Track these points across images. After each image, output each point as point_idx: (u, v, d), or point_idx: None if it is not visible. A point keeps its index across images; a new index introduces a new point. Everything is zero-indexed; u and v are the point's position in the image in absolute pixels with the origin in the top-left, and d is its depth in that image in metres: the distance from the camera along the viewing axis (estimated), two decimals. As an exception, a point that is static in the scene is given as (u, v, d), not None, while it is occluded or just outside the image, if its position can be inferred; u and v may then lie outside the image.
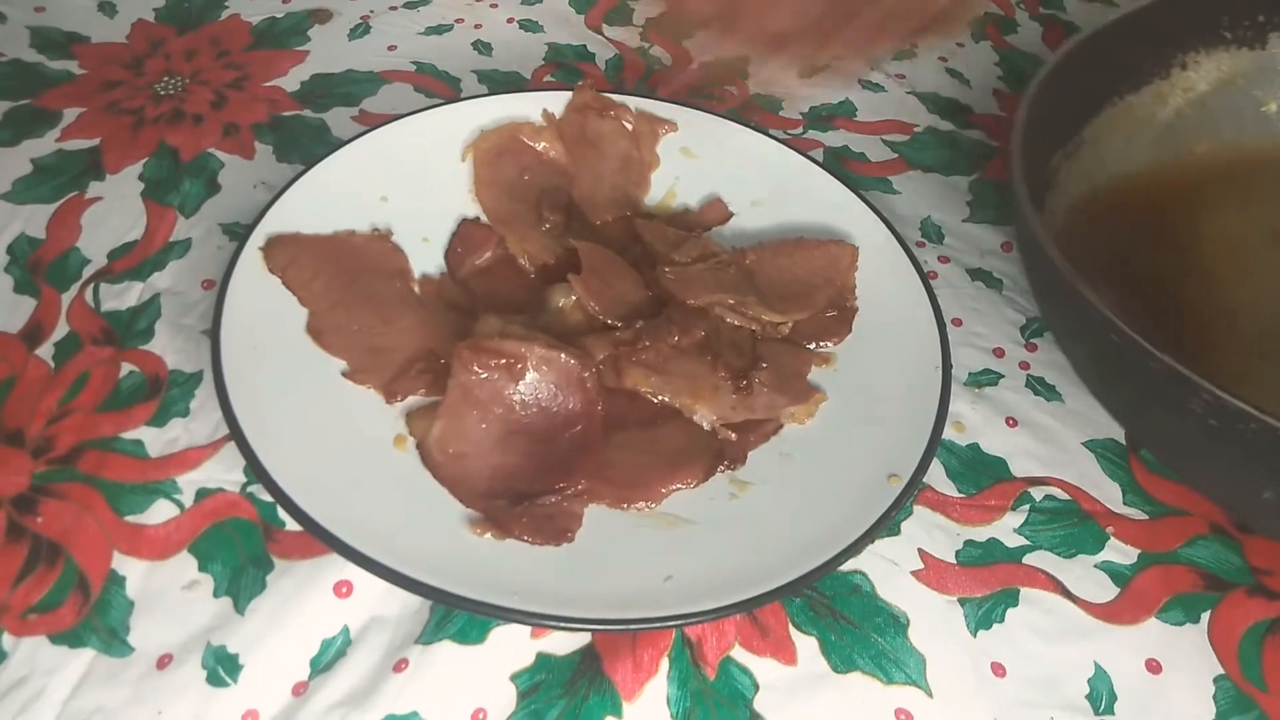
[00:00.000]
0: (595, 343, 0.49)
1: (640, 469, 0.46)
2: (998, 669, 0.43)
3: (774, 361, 0.51)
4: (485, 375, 0.46)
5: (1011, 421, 0.52)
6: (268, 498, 0.43)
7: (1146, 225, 0.58)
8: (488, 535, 0.43)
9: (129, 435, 0.47)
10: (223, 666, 0.40)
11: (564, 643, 0.42)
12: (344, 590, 0.43)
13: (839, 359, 0.52)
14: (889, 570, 0.46)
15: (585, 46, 0.73)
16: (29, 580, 0.42)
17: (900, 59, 0.76)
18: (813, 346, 0.53)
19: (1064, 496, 0.50)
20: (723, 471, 0.47)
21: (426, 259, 0.55)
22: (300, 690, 0.40)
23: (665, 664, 0.42)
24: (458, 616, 0.42)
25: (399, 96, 0.66)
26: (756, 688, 0.42)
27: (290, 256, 0.50)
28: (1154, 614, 0.46)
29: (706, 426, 0.49)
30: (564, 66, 0.71)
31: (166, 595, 0.42)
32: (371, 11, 0.73)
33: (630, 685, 0.41)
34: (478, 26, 0.73)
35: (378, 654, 0.41)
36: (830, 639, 0.43)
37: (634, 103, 0.62)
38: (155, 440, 0.47)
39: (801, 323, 0.53)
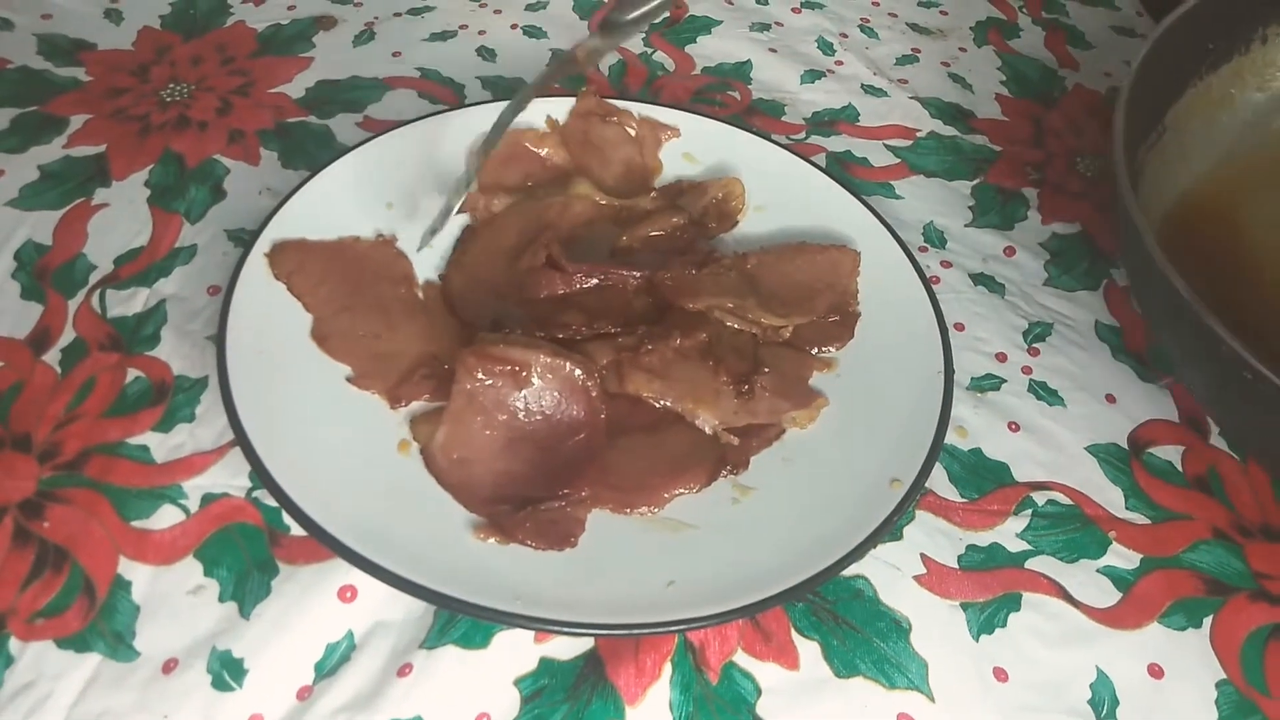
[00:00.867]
0: (598, 348, 0.50)
1: (643, 474, 0.47)
2: (1000, 674, 0.43)
3: (776, 366, 0.51)
4: (490, 381, 0.46)
5: (1014, 426, 0.52)
6: (273, 503, 0.44)
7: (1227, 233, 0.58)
8: (491, 540, 0.43)
9: (135, 440, 0.47)
10: (228, 671, 0.41)
11: (567, 647, 0.43)
12: (348, 595, 0.43)
13: (841, 364, 0.53)
14: (891, 575, 0.46)
15: (589, 52, 0.73)
16: (36, 585, 0.42)
17: (902, 64, 0.76)
18: (815, 351, 0.53)
19: (1066, 501, 0.50)
20: (725, 476, 0.47)
21: (430, 265, 0.55)
22: (305, 695, 0.40)
23: (668, 669, 0.42)
24: (461, 621, 0.43)
25: (403, 102, 0.66)
26: (759, 692, 0.42)
27: (295, 262, 0.51)
28: (1156, 619, 0.46)
29: (709, 431, 0.49)
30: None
31: (172, 600, 0.43)
32: (376, 18, 0.74)
33: (633, 690, 0.41)
34: (481, 33, 0.74)
35: (382, 658, 0.42)
36: (832, 644, 0.44)
37: (637, 108, 0.62)
38: (161, 446, 0.47)
39: (803, 327, 0.53)
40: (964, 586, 0.46)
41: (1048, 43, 0.80)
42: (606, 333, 0.51)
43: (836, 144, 0.68)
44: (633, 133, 0.61)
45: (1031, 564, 0.47)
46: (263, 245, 0.51)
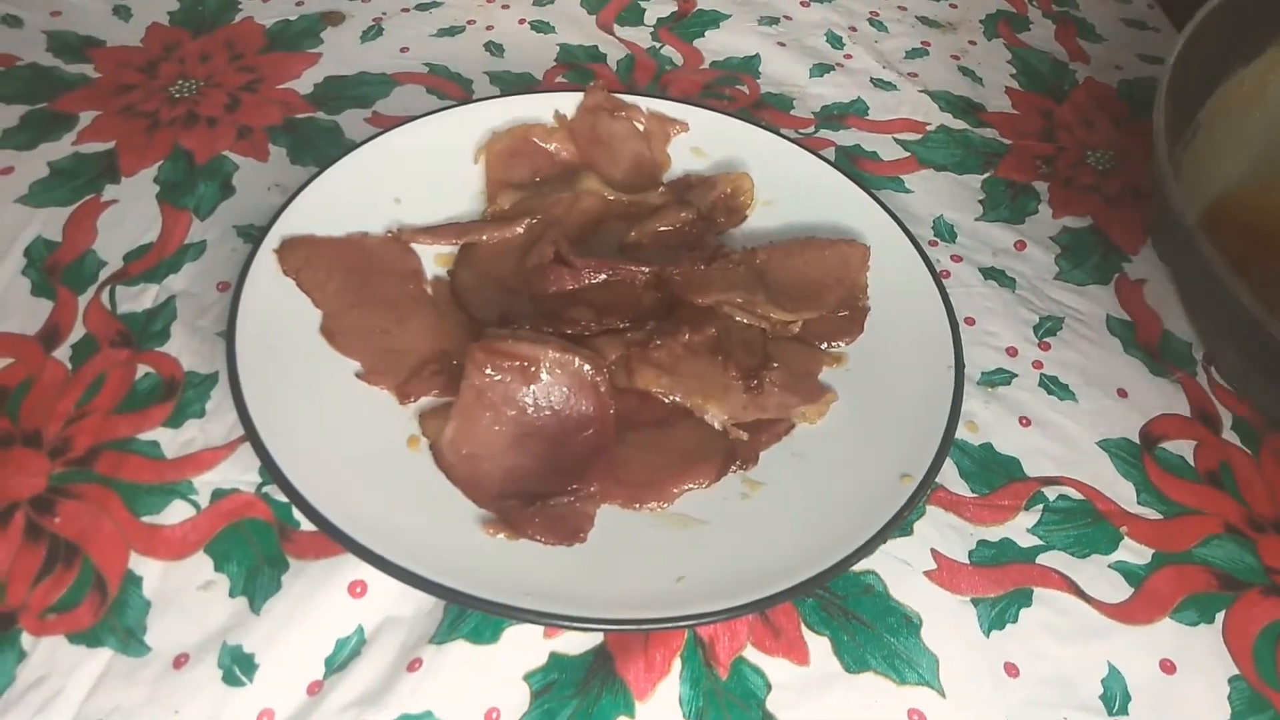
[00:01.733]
0: (607, 344, 0.50)
1: (652, 469, 0.47)
2: (1011, 669, 0.43)
3: (785, 361, 0.51)
4: (498, 377, 0.46)
5: (1025, 421, 0.52)
6: (283, 498, 0.44)
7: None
8: (501, 535, 0.43)
9: (145, 436, 0.47)
10: (239, 666, 0.41)
11: (576, 643, 0.43)
12: (358, 590, 0.43)
13: (851, 358, 0.52)
14: (902, 570, 0.46)
15: (596, 47, 0.73)
16: (47, 580, 0.43)
17: (912, 57, 0.76)
18: (824, 346, 0.53)
19: (1078, 496, 0.49)
20: (735, 471, 0.47)
21: (438, 260, 0.55)
22: (315, 690, 0.40)
23: (678, 664, 0.42)
24: (471, 616, 0.43)
25: (411, 98, 0.66)
26: (769, 688, 0.42)
27: (304, 258, 0.51)
28: (1168, 614, 0.46)
29: (718, 426, 0.49)
30: (575, 67, 0.71)
31: (183, 595, 0.43)
32: (384, 13, 0.74)
33: (643, 685, 0.41)
34: (489, 28, 0.74)
35: (392, 653, 0.42)
36: (843, 639, 0.43)
37: (645, 103, 0.62)
38: (171, 441, 0.47)
39: (813, 322, 0.53)
40: (975, 582, 0.46)
41: (1058, 36, 0.80)
42: (615, 328, 0.51)
43: (846, 138, 0.68)
44: (641, 127, 0.61)
45: (1043, 559, 0.47)
46: (272, 241, 0.51)
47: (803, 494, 0.46)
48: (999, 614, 0.45)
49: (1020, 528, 0.48)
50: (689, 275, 0.53)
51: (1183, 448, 0.52)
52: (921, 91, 0.72)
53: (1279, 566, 0.48)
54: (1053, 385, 0.54)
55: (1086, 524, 0.48)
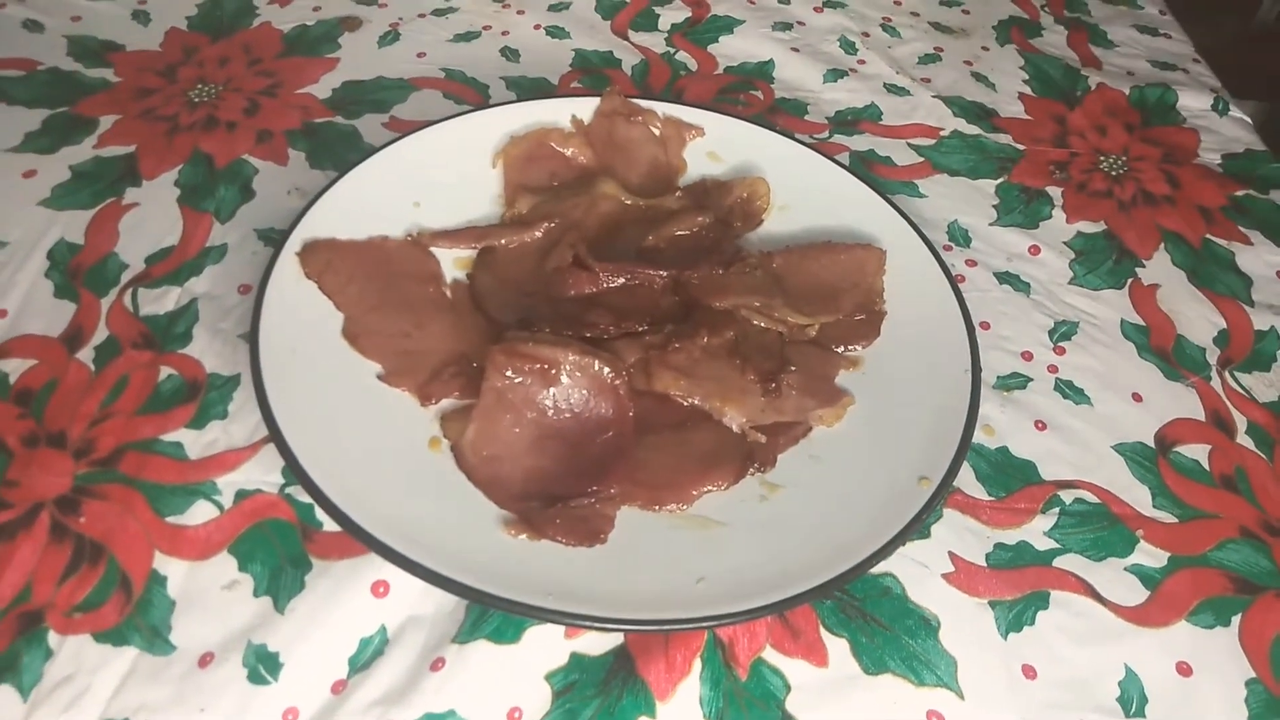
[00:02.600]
0: (625, 346, 0.50)
1: (671, 471, 0.47)
2: (1029, 671, 0.43)
3: (802, 364, 0.51)
4: (519, 379, 0.47)
5: (1040, 425, 0.53)
6: (306, 498, 0.44)
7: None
8: (522, 536, 0.43)
9: (169, 437, 0.48)
10: (263, 665, 0.41)
11: (597, 643, 0.43)
12: (381, 590, 0.43)
13: (867, 362, 0.53)
14: (919, 573, 0.46)
15: (611, 52, 0.74)
16: (73, 580, 0.43)
17: (925, 63, 0.76)
18: (841, 349, 0.53)
19: (1094, 500, 0.50)
20: (753, 474, 0.48)
21: (458, 264, 0.55)
22: (339, 688, 0.41)
23: (698, 664, 0.42)
24: (493, 616, 0.43)
25: (428, 103, 0.67)
26: (788, 689, 0.42)
27: (325, 261, 0.51)
28: (1184, 617, 0.46)
29: (736, 429, 0.49)
30: (591, 72, 0.72)
31: (207, 595, 0.43)
32: (400, 19, 0.74)
33: (663, 685, 0.42)
34: (505, 33, 0.74)
35: (415, 653, 0.42)
36: (861, 641, 0.44)
37: (661, 108, 0.62)
38: (195, 442, 0.48)
39: (829, 326, 0.54)
40: (992, 584, 0.46)
41: (1070, 41, 0.80)
42: (634, 331, 0.51)
43: (860, 143, 0.68)
44: (657, 132, 0.62)
45: (1059, 562, 0.47)
46: (293, 245, 0.51)
47: (821, 496, 0.47)
48: (1016, 616, 0.45)
49: (1037, 531, 0.48)
50: (707, 279, 0.53)
51: (1198, 452, 0.52)
52: (935, 97, 0.73)
53: (1295, 570, 0.48)
54: (1068, 389, 0.54)
55: (1102, 527, 0.49)
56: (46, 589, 0.43)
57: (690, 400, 0.49)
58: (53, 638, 0.41)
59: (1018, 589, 0.46)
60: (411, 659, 0.42)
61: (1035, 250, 0.62)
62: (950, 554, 0.47)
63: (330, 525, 0.45)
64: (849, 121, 0.70)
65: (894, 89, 0.73)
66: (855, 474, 0.47)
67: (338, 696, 0.41)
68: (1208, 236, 0.64)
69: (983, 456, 0.51)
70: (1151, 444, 0.52)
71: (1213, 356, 0.57)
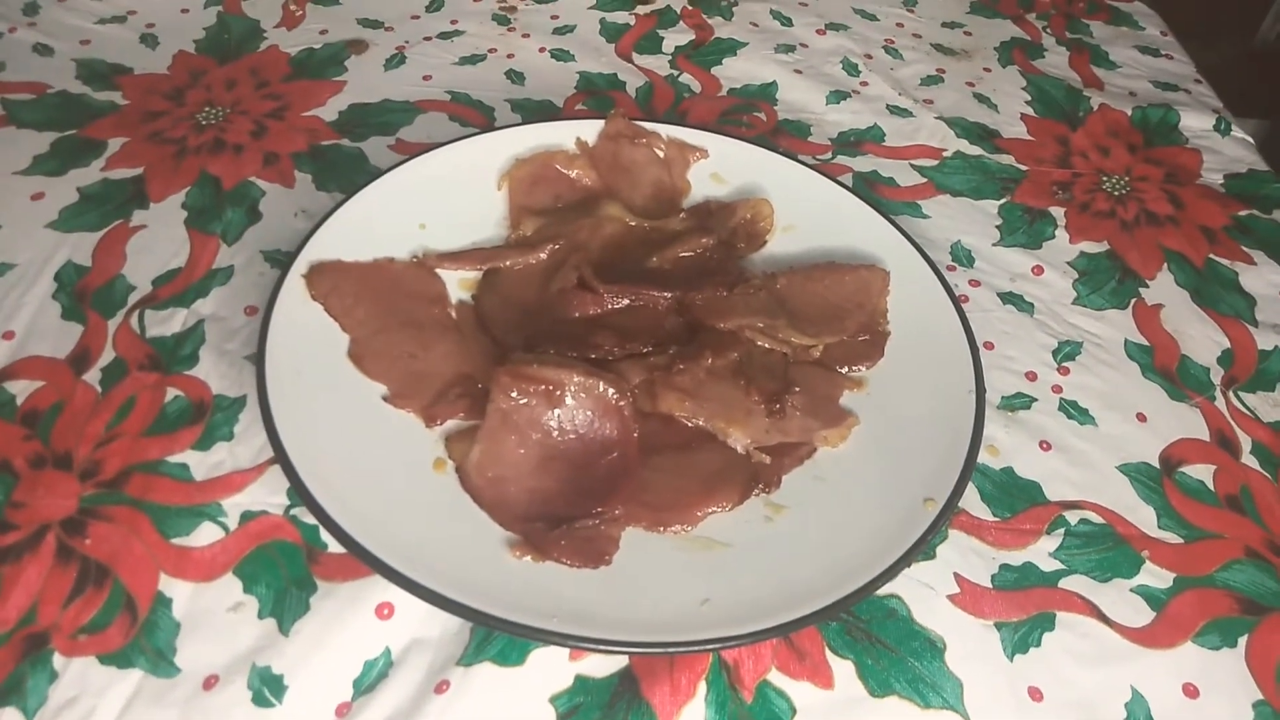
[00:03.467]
0: (630, 368, 0.50)
1: (676, 492, 0.47)
2: (1035, 693, 0.43)
3: (806, 385, 0.51)
4: (524, 401, 0.47)
5: (1045, 445, 0.52)
6: (311, 520, 0.44)
7: None
8: (527, 558, 0.43)
9: (175, 459, 0.48)
10: (268, 687, 0.41)
11: (602, 665, 0.43)
12: (385, 612, 0.43)
13: (871, 383, 0.53)
14: (925, 594, 0.46)
15: (616, 75, 0.74)
16: (78, 601, 0.43)
17: (927, 84, 0.76)
18: (845, 370, 0.53)
19: (1099, 520, 0.50)
20: (757, 495, 0.48)
21: (463, 285, 0.55)
22: (344, 711, 0.41)
23: (703, 687, 0.42)
24: (497, 638, 0.43)
25: (434, 125, 0.67)
26: (793, 711, 0.42)
27: (332, 283, 0.51)
28: (1191, 638, 0.46)
29: (740, 450, 0.49)
30: (595, 94, 0.72)
31: (212, 616, 0.43)
32: (407, 42, 0.75)
33: (668, 708, 0.42)
34: (510, 56, 0.75)
35: (419, 675, 0.42)
36: (867, 663, 0.44)
37: (665, 130, 0.62)
38: (200, 464, 0.48)
39: (833, 347, 0.54)
40: (998, 606, 0.46)
41: (1072, 63, 0.80)
42: (638, 352, 0.51)
43: (863, 164, 0.68)
44: (661, 154, 0.62)
45: (1065, 583, 0.47)
46: (300, 266, 0.51)
47: (826, 517, 0.47)
48: (1022, 638, 0.45)
49: (1042, 551, 0.48)
50: (711, 300, 0.53)
51: (1202, 472, 0.52)
52: (938, 118, 0.73)
53: (1301, 591, 0.48)
54: (1072, 409, 0.54)
55: (1108, 548, 0.49)
56: (52, 611, 0.43)
57: (695, 421, 0.50)
58: (58, 660, 0.41)
59: (1023, 610, 0.46)
60: (416, 681, 0.42)
61: (1039, 270, 0.62)
62: (955, 575, 0.47)
63: (335, 547, 0.45)
64: (852, 143, 0.70)
65: (897, 110, 0.73)
66: (860, 495, 0.47)
67: (342, 719, 0.40)
68: (1211, 256, 0.64)
69: (987, 477, 0.51)
70: (1156, 464, 0.52)
71: (1217, 376, 0.57)
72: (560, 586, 0.43)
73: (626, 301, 0.54)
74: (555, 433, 0.47)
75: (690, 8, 0.82)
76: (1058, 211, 0.66)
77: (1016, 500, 0.50)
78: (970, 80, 0.77)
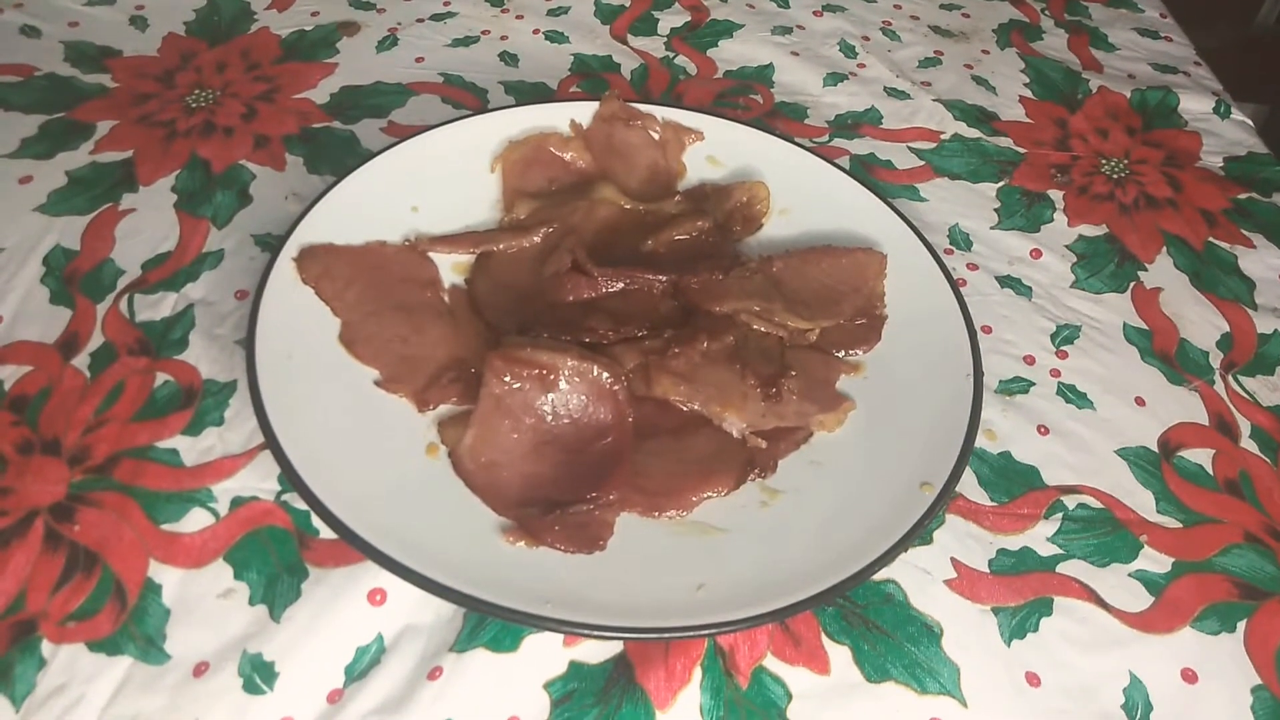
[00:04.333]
0: (624, 351, 0.50)
1: (671, 477, 0.47)
2: (1032, 678, 0.43)
3: (803, 369, 0.51)
4: (517, 385, 0.46)
5: (1043, 429, 0.52)
6: (302, 506, 0.44)
7: None
8: (520, 543, 0.43)
9: (164, 444, 0.47)
10: (259, 674, 0.41)
11: (596, 651, 0.42)
12: (378, 598, 0.43)
13: (868, 367, 0.52)
14: (922, 579, 0.46)
15: (610, 57, 0.73)
16: (67, 588, 0.43)
17: (925, 66, 0.76)
18: (842, 354, 0.53)
19: (1097, 505, 0.49)
20: (753, 479, 0.47)
21: (456, 269, 0.55)
22: (335, 698, 0.40)
23: (698, 673, 0.42)
24: (491, 624, 0.43)
25: (427, 108, 0.67)
26: (790, 697, 0.42)
27: (323, 267, 0.51)
28: (1189, 623, 0.45)
29: (736, 434, 0.49)
30: (590, 77, 0.71)
31: (202, 603, 0.43)
32: (399, 24, 0.74)
33: (663, 694, 0.41)
34: (504, 38, 0.74)
35: (412, 662, 0.41)
36: (863, 648, 0.43)
37: (660, 112, 0.62)
38: (190, 449, 0.47)
39: (830, 330, 0.53)
40: (995, 591, 0.46)
41: (1071, 45, 0.80)
42: (633, 336, 0.51)
43: (860, 147, 0.68)
44: (656, 136, 0.61)
45: (1063, 568, 0.47)
46: (290, 250, 0.51)
47: (822, 502, 0.46)
48: (1020, 623, 0.45)
49: (1040, 536, 0.48)
50: (706, 284, 0.53)
51: (1201, 456, 0.52)
52: (935, 100, 0.72)
53: (1300, 576, 0.47)
54: (1071, 393, 0.54)
55: (1106, 533, 0.48)
56: (40, 598, 0.42)
57: (690, 405, 0.49)
58: (46, 647, 0.41)
59: (1021, 595, 0.46)
60: (409, 668, 0.41)
61: (1037, 254, 0.62)
62: (953, 560, 0.46)
63: (327, 533, 0.44)
64: (849, 125, 0.70)
65: (894, 93, 0.73)
66: (856, 479, 0.47)
67: (334, 705, 0.40)
68: (1210, 240, 0.64)
69: (985, 461, 0.50)
70: (1155, 448, 0.52)
71: (1216, 360, 0.57)
72: (554, 572, 0.42)
73: (621, 285, 0.53)
74: (549, 417, 0.47)
75: (686, -11, 0.81)
76: (1056, 194, 0.66)
77: (1014, 485, 0.50)
78: (968, 62, 0.77)
